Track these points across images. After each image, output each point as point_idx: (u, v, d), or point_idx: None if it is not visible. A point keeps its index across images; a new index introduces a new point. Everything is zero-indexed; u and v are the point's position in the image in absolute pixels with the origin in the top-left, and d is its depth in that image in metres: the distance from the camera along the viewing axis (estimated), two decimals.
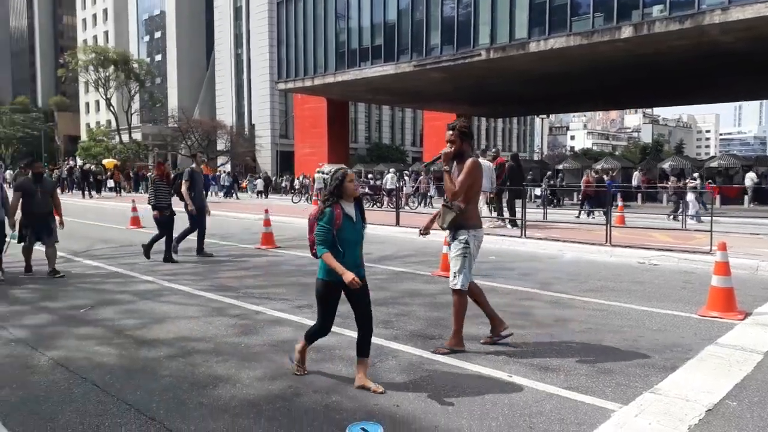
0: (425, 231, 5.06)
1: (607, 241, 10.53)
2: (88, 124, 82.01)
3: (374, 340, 4.94)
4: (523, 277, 8.20)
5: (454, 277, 4.69)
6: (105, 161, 41.29)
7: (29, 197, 7.86)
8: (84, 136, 75.35)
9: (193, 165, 10.21)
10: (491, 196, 13.60)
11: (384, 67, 31.03)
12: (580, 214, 19.17)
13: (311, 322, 5.57)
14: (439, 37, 28.91)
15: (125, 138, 60.51)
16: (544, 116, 69.90)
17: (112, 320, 5.72)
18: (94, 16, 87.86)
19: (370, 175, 35.59)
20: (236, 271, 8.68)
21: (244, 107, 68.02)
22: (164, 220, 9.47)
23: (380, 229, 14.20)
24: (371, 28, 32.36)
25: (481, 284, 7.59)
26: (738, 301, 6.01)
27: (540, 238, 11.49)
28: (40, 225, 7.93)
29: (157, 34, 78.61)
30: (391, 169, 29.05)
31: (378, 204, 22.73)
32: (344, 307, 6.05)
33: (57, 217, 8.27)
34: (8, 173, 44.96)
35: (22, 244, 8.04)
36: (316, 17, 35.48)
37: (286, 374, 4.20)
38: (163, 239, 9.49)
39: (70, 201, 25.17)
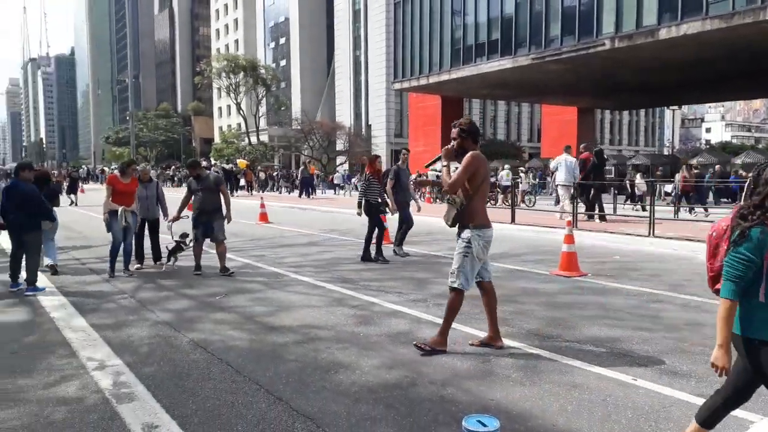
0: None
1: None
2: (220, 127, 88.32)
3: (485, 335, 4.95)
4: (651, 279, 7.73)
5: (452, 275, 4.53)
6: (238, 161, 44.27)
7: (197, 195, 8.07)
8: (217, 139, 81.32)
9: (399, 162, 10.04)
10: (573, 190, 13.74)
11: (501, 62, 30.49)
12: (678, 211, 17.85)
13: (426, 316, 5.69)
14: (560, 29, 27.88)
15: (253, 140, 64.46)
16: (675, 107, 64.90)
17: (243, 307, 6.18)
18: (226, 26, 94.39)
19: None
20: (354, 264, 8.99)
21: (361, 108, 69.84)
22: (376, 218, 9.21)
23: (495, 227, 14.01)
24: (488, 23, 31.93)
25: (604, 285, 7.32)
26: None
27: (670, 238, 10.75)
28: (207, 222, 8.00)
29: (282, 41, 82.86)
30: (506, 166, 28.45)
31: (492, 201, 22.37)
32: (464, 306, 6.06)
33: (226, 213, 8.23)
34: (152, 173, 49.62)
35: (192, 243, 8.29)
36: (433, 15, 35.64)
37: (403, 364, 4.31)
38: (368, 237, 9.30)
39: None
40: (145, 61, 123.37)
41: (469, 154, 4.47)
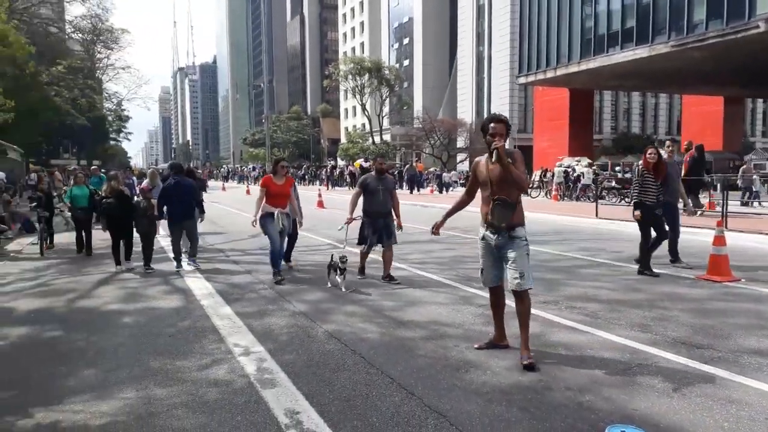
0: (436, 230, 4.74)
1: None
2: (346, 128, 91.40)
3: (630, 343, 4.68)
4: None
5: (522, 277, 4.22)
6: (356, 161, 45.55)
7: (371, 195, 7.34)
8: (343, 139, 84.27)
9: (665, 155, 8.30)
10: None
11: (636, 51, 28.56)
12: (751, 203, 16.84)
13: (556, 318, 5.49)
14: (705, 12, 25.54)
15: (377, 139, 65.99)
16: None
17: (372, 301, 6.35)
18: (353, 29, 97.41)
19: (617, 168, 33.07)
20: (475, 262, 8.86)
21: (483, 104, 68.88)
22: (650, 221, 7.76)
23: (632, 226, 13.16)
24: (621, 10, 30.05)
25: (760, 292, 6.60)
26: None
27: None
28: (380, 225, 7.35)
29: (405, 41, 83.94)
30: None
31: (627, 199, 21.02)
32: (592, 305, 5.80)
33: (396, 219, 7.45)
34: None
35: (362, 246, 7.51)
36: (561, 5, 34.24)
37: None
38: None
39: (338, 196, 28.46)
40: (278, 67, 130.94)
41: (518, 151, 4.31)
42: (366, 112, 66.50)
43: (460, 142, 62.29)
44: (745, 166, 21.57)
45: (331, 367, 4.25)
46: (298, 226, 8.43)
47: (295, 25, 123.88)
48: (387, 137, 69.69)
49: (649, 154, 7.78)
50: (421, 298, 6.42)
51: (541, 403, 3.57)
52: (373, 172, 7.52)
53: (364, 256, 7.58)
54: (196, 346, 4.83)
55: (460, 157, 61.49)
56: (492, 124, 4.18)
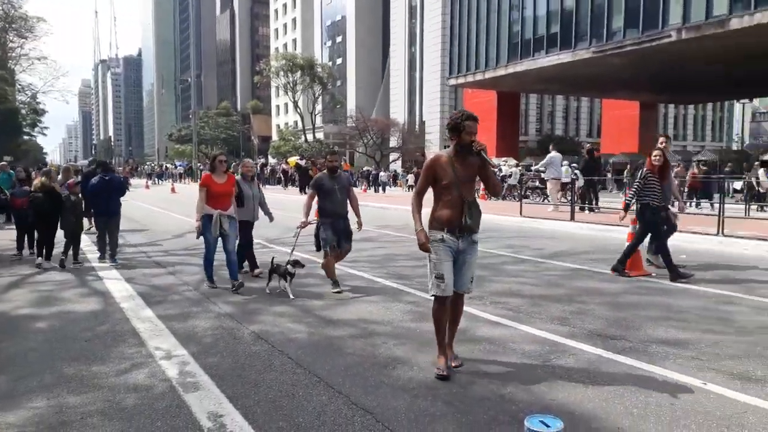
0: (425, 246, 4.00)
1: None
2: (278, 125, 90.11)
3: (549, 336, 4.87)
4: (720, 279, 7.38)
5: (471, 282, 4.14)
6: (289, 160, 45.04)
7: (327, 196, 6.71)
8: (275, 136, 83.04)
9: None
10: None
11: (560, 56, 29.81)
12: (689, 205, 17.54)
13: (481, 313, 5.64)
14: (623, 20, 27.00)
15: (309, 137, 65.47)
16: (746, 101, 61.73)
17: (302, 300, 6.29)
18: (285, 25, 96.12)
19: (540, 168, 34.34)
20: (411, 260, 8.99)
21: (415, 105, 69.78)
22: (660, 221, 7.56)
23: (553, 224, 13.72)
24: (547, 16, 31.27)
25: (670, 285, 7.04)
26: None
27: (741, 237, 10.23)
28: (339, 227, 6.75)
29: (338, 39, 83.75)
30: (565, 162, 27.74)
31: (549, 199, 21.91)
32: (515, 301, 6.00)
33: (357, 219, 6.90)
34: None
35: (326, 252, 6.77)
36: (490, 10, 35.21)
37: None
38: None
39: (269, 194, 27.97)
40: (207, 61, 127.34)
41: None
42: (298, 110, 65.87)
43: (393, 142, 62.80)
44: (678, 169, 21.66)
45: (257, 369, 4.18)
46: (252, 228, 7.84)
47: (225, 19, 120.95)
48: (320, 135, 69.30)
49: (655, 156, 7.48)
50: (352, 297, 6.42)
51: (465, 396, 3.65)
52: (324, 171, 6.95)
53: (331, 262, 6.77)
54: (114, 351, 4.63)
55: (392, 156, 62.00)
56: (468, 122, 3.94)
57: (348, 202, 6.84)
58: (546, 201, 21.34)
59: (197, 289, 6.96)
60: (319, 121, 71.91)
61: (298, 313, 5.76)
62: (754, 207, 17.19)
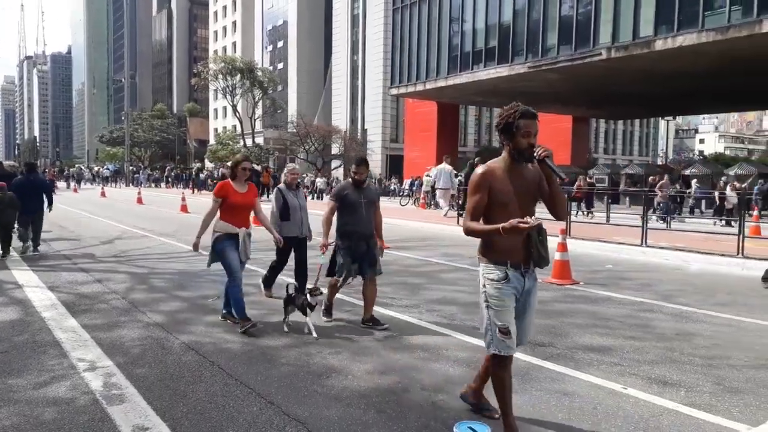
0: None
1: (739, 252, 9.70)
2: (216, 129, 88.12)
3: (482, 344, 4.94)
4: (643, 288, 7.77)
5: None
6: (229, 163, 44.10)
7: (351, 211, 5.50)
8: (212, 140, 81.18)
9: None
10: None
11: (497, 70, 30.61)
12: (577, 214, 19.65)
13: (419, 322, 5.70)
14: (557, 38, 28.03)
15: (249, 142, 64.40)
16: (670, 118, 65.49)
17: None
18: (225, 28, 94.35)
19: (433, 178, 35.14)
20: None
21: (357, 112, 69.94)
22: None
23: None
24: (485, 30, 32.07)
25: (596, 294, 7.35)
26: None
27: (662, 247, 10.81)
28: (361, 251, 5.52)
29: (280, 44, 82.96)
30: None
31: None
32: (450, 308, 6.10)
33: (378, 241, 5.69)
34: (141, 176, 49.34)
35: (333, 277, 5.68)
36: (431, 22, 35.78)
37: (395, 370, 4.32)
38: None
39: (206, 199, 27.27)
40: (142, 61, 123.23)
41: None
42: (237, 114, 64.69)
43: (335, 149, 62.70)
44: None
45: (186, 380, 4.07)
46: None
47: (162, 19, 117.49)
48: (259, 140, 68.29)
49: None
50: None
51: (397, 404, 3.68)
52: (348, 180, 5.69)
53: (334, 290, 5.78)
54: (32, 363, 4.39)
55: (335, 163, 61.88)
56: (524, 121, 3.09)
57: (373, 220, 5.62)
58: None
59: (125, 297, 6.70)
60: (258, 125, 70.91)
61: (231, 323, 5.64)
62: (720, 222, 18.46)
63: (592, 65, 26.40)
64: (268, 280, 6.90)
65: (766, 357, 4.77)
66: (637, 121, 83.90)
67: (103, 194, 31.29)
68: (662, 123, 79.01)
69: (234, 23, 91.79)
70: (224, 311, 5.69)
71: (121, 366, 4.31)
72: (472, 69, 32.39)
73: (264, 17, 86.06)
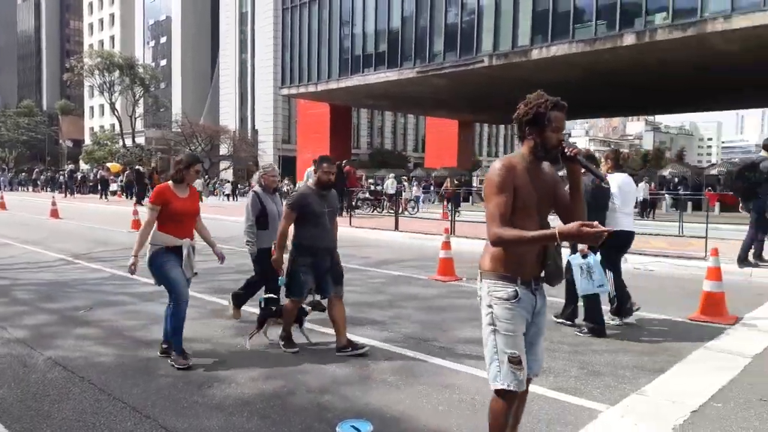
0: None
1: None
2: (92, 128, 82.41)
3: (369, 341, 5.05)
4: None
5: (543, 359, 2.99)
6: (109, 165, 41.35)
7: (315, 222, 4.73)
8: (87, 140, 75.78)
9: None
10: None
11: (387, 74, 31.21)
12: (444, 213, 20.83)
13: (307, 324, 5.66)
14: (442, 44, 29.09)
15: (129, 142, 60.81)
16: None
17: (110, 321, 5.79)
18: (101, 20, 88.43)
19: (371, 180, 35.70)
20: (234, 274, 8.74)
21: (247, 112, 68.37)
22: None
23: (381, 234, 14.30)
24: (375, 35, 32.58)
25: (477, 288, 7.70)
26: (729, 306, 6.07)
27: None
28: (324, 267, 4.78)
29: (163, 39, 79.13)
30: (391, 175, 29.26)
31: (378, 209, 22.87)
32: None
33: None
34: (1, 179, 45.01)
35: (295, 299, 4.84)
36: (321, 23, 35.74)
37: (281, 374, 4.26)
38: None
39: (80, 204, 25.30)
40: (5, 54, 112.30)
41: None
42: (116, 112, 60.86)
43: (224, 150, 60.82)
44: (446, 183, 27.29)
45: (51, 399, 3.76)
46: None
47: (29, 8, 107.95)
48: (141, 140, 64.70)
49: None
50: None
51: (282, 408, 3.64)
52: (309, 183, 4.94)
53: (295, 309, 4.88)
54: None
55: (223, 165, 60.01)
56: (556, 113, 2.60)
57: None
58: (376, 211, 22.21)
59: None
60: (139, 125, 67.19)
61: (105, 335, 5.30)
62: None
63: (476, 72, 27.67)
64: (241, 298, 5.86)
65: (625, 341, 5.24)
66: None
67: None
68: None
69: (112, 16, 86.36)
70: (164, 345, 4.68)
71: None
72: (363, 72, 32.77)
73: (145, 11, 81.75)
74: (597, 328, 5.38)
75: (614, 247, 5.50)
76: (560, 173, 2.83)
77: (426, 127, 57.13)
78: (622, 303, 5.75)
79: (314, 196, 4.73)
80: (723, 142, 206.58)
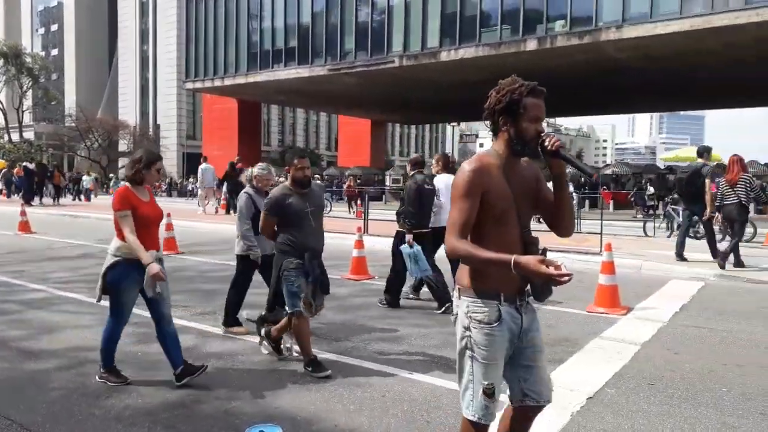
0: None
1: None
2: None
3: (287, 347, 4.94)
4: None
5: (550, 380, 2.61)
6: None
7: (296, 222, 4.35)
8: None
9: None
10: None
11: (298, 70, 30.83)
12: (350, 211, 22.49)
13: (213, 329, 5.50)
14: (354, 43, 29.12)
15: (15, 137, 56.21)
16: (455, 124, 72.46)
17: None
18: None
19: (282, 179, 35.17)
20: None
21: (148, 106, 65.26)
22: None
23: None
24: (285, 30, 32.07)
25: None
26: (622, 297, 6.51)
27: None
28: (316, 273, 4.37)
29: (54, 27, 73.83)
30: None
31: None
32: (246, 312, 5.96)
33: None
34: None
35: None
36: (228, 16, 34.70)
37: (187, 382, 4.08)
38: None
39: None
40: None
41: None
42: (1, 105, 56.06)
43: (123, 146, 57.69)
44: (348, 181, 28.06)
45: None
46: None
47: None
48: (30, 135, 60.00)
49: None
50: (60, 323, 5.64)
51: (188, 417, 3.50)
52: (286, 183, 4.49)
53: (305, 326, 4.41)
54: None
55: (122, 161, 56.87)
56: (532, 100, 2.26)
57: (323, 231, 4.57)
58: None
59: None
60: (28, 118, 62.29)
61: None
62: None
63: (387, 72, 27.95)
64: (235, 307, 5.54)
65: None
66: (427, 126, 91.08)
67: None
68: (448, 128, 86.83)
69: None
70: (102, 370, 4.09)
71: None
72: (272, 68, 32.18)
73: None
74: (391, 300, 6.55)
75: (435, 241, 6.59)
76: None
77: (339, 126, 57.09)
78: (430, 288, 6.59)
79: (294, 196, 4.34)
80: (616, 144, 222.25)
